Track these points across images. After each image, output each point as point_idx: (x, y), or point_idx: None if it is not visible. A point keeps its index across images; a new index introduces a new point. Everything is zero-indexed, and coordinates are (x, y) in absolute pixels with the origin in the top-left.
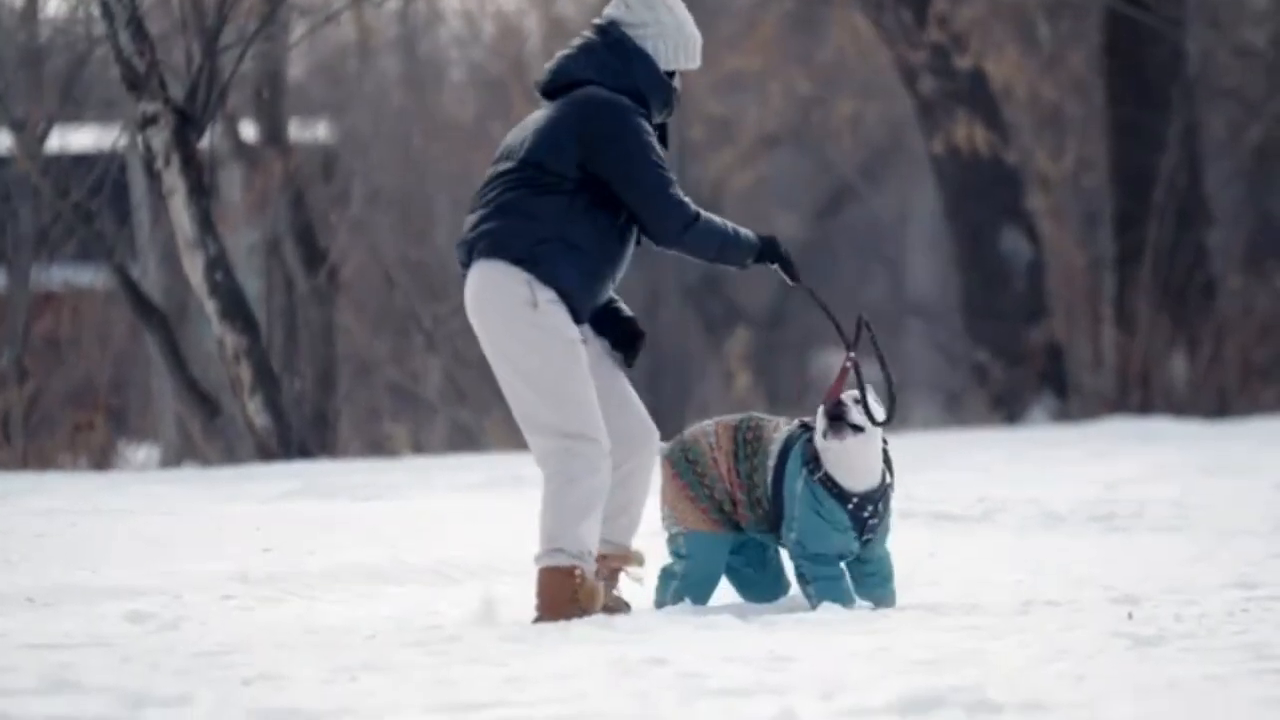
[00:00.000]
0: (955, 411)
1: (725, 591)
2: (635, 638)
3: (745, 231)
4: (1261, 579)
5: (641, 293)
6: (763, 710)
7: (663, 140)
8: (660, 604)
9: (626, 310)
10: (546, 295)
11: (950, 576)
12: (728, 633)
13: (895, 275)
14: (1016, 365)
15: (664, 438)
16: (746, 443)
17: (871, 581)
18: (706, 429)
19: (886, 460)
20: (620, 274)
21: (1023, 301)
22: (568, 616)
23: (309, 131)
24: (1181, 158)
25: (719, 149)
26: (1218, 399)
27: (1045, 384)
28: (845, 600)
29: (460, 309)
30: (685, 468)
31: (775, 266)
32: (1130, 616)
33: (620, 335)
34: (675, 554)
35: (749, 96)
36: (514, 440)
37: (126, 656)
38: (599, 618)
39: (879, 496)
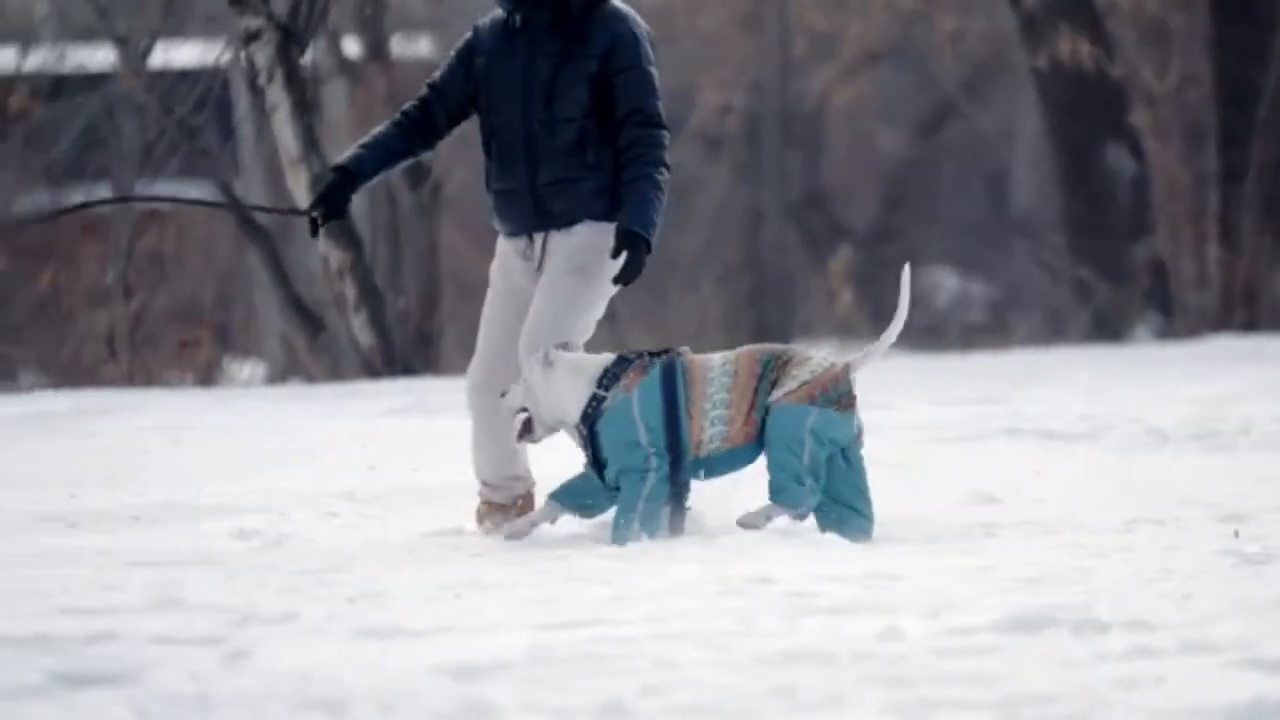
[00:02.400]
0: (1059, 329)
1: None
2: (739, 557)
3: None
4: None
5: (744, 210)
6: (867, 629)
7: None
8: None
9: (625, 222)
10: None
11: (1054, 495)
12: (832, 551)
13: (998, 192)
14: (1120, 283)
15: None
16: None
17: None
18: None
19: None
20: (515, 184)
21: (1127, 219)
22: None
23: (411, 47)
24: None
25: (822, 63)
26: None
27: (1149, 302)
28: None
29: None
30: None
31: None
32: (1236, 535)
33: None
34: None
35: (852, 12)
36: None
37: (232, 574)
38: (702, 537)
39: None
